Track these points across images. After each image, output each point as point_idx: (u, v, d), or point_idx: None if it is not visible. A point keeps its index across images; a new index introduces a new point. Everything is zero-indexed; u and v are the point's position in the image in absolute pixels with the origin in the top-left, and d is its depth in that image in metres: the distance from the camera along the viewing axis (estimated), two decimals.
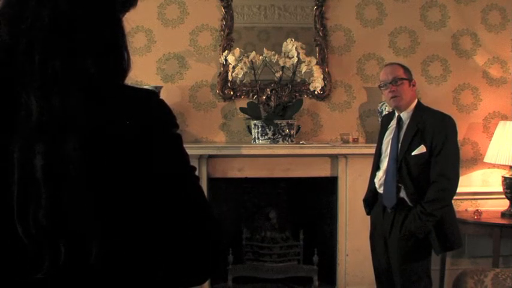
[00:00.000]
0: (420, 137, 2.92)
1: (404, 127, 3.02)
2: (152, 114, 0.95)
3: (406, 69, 3.11)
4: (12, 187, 0.81)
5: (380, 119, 4.03)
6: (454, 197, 4.30)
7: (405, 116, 3.04)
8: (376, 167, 3.20)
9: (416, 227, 2.88)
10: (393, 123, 3.11)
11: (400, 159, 2.95)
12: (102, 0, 0.95)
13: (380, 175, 3.11)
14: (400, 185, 2.96)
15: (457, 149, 2.97)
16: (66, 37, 0.88)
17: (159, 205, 0.93)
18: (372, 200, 3.23)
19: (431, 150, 2.89)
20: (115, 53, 0.95)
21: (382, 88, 3.14)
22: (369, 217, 3.35)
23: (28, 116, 0.83)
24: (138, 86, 1.00)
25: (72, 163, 0.82)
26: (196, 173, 1.02)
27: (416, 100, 3.07)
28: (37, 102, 0.83)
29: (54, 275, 0.82)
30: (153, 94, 0.99)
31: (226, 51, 4.00)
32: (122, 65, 0.96)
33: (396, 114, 3.10)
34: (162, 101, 0.98)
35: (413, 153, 2.92)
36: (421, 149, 2.90)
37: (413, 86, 3.06)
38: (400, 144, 2.99)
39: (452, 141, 2.92)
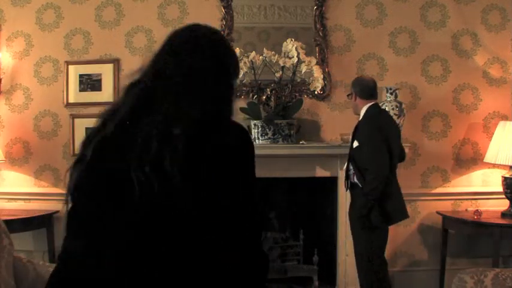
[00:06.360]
0: (357, 134, 3.53)
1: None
2: (239, 149, 1.32)
3: (352, 85, 3.61)
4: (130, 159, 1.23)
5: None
6: (455, 197, 4.32)
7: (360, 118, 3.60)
8: None
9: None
10: None
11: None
12: (221, 69, 1.41)
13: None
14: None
15: (374, 144, 3.38)
16: (193, 90, 1.32)
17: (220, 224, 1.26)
18: None
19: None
20: (226, 102, 1.41)
21: None
22: None
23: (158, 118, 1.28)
24: (236, 124, 1.38)
25: (176, 143, 1.22)
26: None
27: (365, 107, 3.50)
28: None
29: (148, 201, 1.20)
30: (243, 128, 1.37)
31: None
32: (230, 111, 1.41)
33: None
34: (248, 138, 1.36)
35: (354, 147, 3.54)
36: (355, 143, 3.51)
37: (356, 97, 3.57)
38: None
39: (369, 138, 3.40)
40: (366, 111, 3.51)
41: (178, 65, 1.36)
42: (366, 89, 3.54)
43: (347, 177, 3.60)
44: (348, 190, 3.64)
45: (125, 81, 1.43)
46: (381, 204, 3.36)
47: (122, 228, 1.22)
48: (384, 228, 3.45)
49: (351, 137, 3.65)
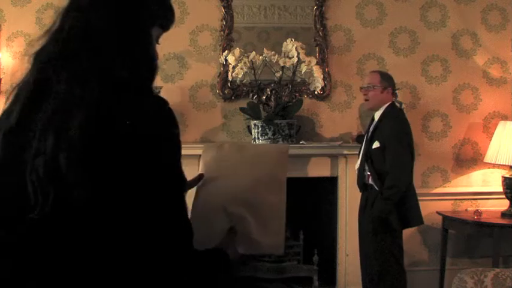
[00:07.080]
0: (377, 134, 3.41)
1: (373, 124, 3.51)
2: (151, 121, 1.07)
3: (384, 77, 3.53)
4: (27, 156, 1.05)
5: None
6: (455, 197, 4.32)
7: (377, 116, 3.51)
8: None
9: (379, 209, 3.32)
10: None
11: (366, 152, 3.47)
12: (128, 16, 1.13)
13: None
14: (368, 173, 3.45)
15: (401, 148, 3.32)
16: (95, 44, 1.08)
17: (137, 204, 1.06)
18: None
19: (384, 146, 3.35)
20: (142, 63, 1.13)
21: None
22: None
23: (54, 98, 1.07)
24: (154, 93, 1.16)
25: (74, 136, 1.01)
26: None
27: (388, 103, 3.46)
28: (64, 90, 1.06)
29: (44, 216, 1.02)
30: (159, 102, 1.11)
31: (226, 51, 4.00)
32: (149, 76, 1.14)
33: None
34: (167, 111, 1.11)
35: (373, 147, 3.41)
36: (376, 144, 3.38)
37: (388, 92, 3.50)
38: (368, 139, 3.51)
39: (396, 140, 3.32)
40: (385, 110, 3.45)
41: (75, 25, 1.10)
42: (394, 87, 3.55)
43: (361, 177, 3.52)
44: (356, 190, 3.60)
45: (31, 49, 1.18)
46: (399, 208, 3.30)
47: (28, 241, 1.05)
48: (400, 232, 3.40)
49: (367, 135, 3.56)
